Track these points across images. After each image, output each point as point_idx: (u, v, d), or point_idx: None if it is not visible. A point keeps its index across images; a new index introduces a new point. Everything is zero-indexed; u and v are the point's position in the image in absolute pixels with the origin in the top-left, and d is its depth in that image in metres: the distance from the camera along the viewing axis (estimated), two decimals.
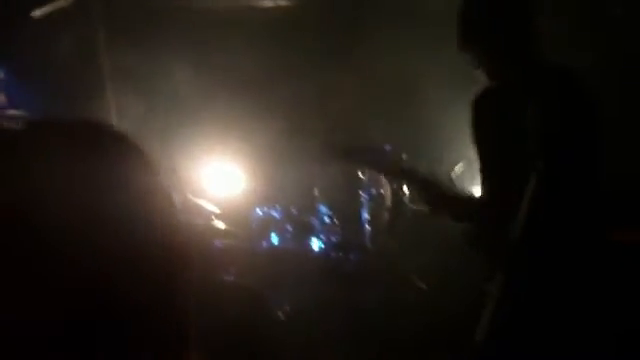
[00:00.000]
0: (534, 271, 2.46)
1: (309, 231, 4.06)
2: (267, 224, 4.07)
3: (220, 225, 4.01)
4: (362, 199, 4.18)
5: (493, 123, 2.62)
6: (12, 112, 4.57)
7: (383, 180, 4.52)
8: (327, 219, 4.14)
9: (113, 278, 0.88)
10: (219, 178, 4.54)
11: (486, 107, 2.63)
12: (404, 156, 4.51)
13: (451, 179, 4.22)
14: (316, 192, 4.44)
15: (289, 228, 4.04)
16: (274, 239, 4.02)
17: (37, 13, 4.74)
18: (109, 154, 0.92)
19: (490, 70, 2.44)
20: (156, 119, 4.73)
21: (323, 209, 4.17)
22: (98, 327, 0.86)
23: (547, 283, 2.47)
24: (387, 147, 4.51)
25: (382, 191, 4.44)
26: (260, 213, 4.11)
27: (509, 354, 2.50)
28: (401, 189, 4.56)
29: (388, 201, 4.47)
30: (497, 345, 2.46)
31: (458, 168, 4.39)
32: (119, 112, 5.06)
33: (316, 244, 4.03)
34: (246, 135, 4.60)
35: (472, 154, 3.97)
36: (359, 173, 4.25)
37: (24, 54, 4.77)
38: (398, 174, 2.78)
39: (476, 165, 3.93)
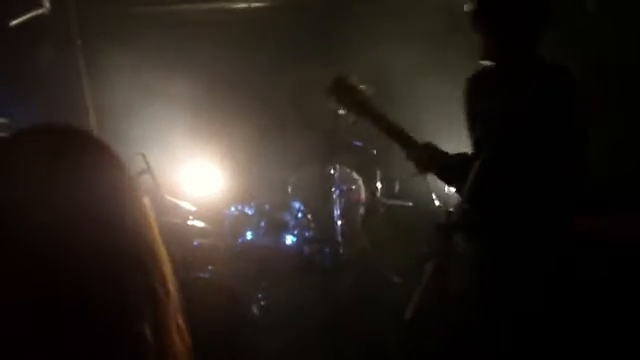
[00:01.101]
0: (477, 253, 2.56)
1: (283, 227, 4.13)
2: (241, 221, 4.14)
3: (197, 224, 4.09)
4: (334, 195, 4.26)
5: (477, 101, 2.72)
6: None
7: (355, 176, 4.61)
8: (300, 215, 4.22)
9: (82, 272, 0.94)
10: (195, 178, 4.63)
11: (477, 85, 2.74)
12: (374, 151, 4.62)
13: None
14: (289, 189, 4.53)
15: (263, 225, 4.12)
16: (249, 236, 4.09)
17: (14, 22, 4.80)
18: (81, 157, 1.02)
19: (493, 53, 2.56)
20: (134, 121, 4.80)
21: (296, 205, 4.26)
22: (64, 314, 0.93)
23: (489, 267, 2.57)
24: (358, 143, 4.62)
25: (354, 187, 4.53)
26: (234, 211, 4.19)
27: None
28: (374, 184, 4.65)
29: (360, 196, 4.56)
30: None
31: None
32: (98, 116, 5.13)
33: (290, 239, 4.11)
34: (221, 135, 4.68)
35: (458, 147, 4.07)
36: (331, 170, 4.33)
37: (2, 63, 4.83)
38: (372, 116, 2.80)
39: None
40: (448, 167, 2.75)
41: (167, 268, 1.06)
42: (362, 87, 2.87)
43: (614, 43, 4.18)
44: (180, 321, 1.06)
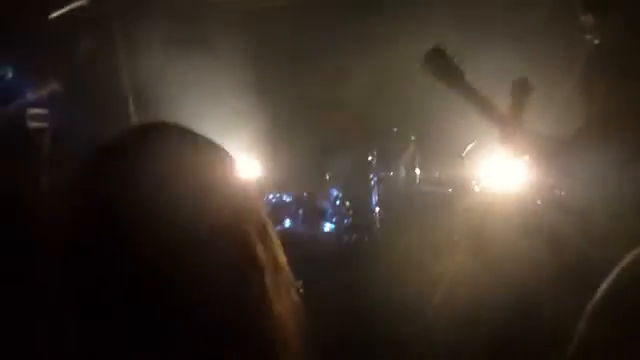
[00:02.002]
0: None
1: (321, 215, 4.14)
2: (280, 209, 4.16)
3: None
4: (372, 182, 4.25)
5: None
6: (36, 111, 4.69)
7: (393, 163, 4.58)
8: (338, 202, 4.22)
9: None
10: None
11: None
12: (412, 137, 4.58)
13: (461, 158, 4.26)
14: (327, 177, 4.52)
15: (301, 212, 4.12)
16: (287, 224, 4.11)
17: (54, 14, 4.85)
18: (206, 153, 1.03)
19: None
20: (171, 110, 4.83)
21: (334, 192, 4.25)
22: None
23: None
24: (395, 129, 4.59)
25: (392, 174, 4.50)
26: (272, 199, 4.20)
27: None
28: (413, 170, 4.62)
29: (399, 184, 4.53)
30: None
31: (469, 147, 4.44)
32: (137, 108, 5.17)
33: (328, 227, 4.11)
34: (257, 125, 4.69)
35: (482, 135, 4.03)
36: (369, 157, 4.32)
37: (43, 54, 4.88)
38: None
39: (486, 145, 3.97)
40: (549, 152, 2.73)
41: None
42: (456, 59, 2.88)
43: None
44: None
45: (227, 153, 1.07)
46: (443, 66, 2.89)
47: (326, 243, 4.05)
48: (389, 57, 4.43)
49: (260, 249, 1.00)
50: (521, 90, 2.89)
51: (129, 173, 0.97)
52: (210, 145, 1.07)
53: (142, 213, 0.94)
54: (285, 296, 1.03)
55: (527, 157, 2.86)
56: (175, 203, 0.94)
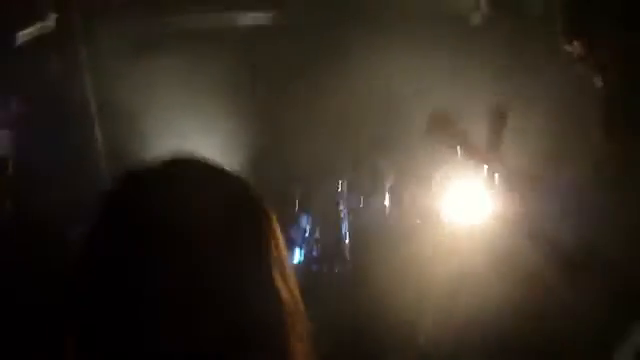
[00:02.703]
0: None
1: (290, 243, 4.10)
2: None
3: None
4: (342, 212, 4.23)
5: None
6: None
7: (364, 193, 4.56)
8: (308, 231, 4.18)
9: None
10: None
11: None
12: (382, 167, 4.57)
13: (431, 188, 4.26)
14: (296, 206, 4.48)
15: None
16: None
17: (21, 36, 4.79)
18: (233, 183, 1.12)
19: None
20: (137, 134, 4.78)
21: (303, 222, 4.22)
22: None
23: None
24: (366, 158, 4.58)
25: (362, 204, 4.48)
26: None
27: None
28: (382, 200, 4.60)
29: (369, 214, 4.51)
30: None
31: (438, 176, 4.43)
32: (104, 131, 5.11)
33: (297, 257, 4.08)
34: (224, 151, 4.64)
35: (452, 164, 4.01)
36: (338, 186, 4.29)
37: (8, 76, 4.81)
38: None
39: (457, 174, 3.96)
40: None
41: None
42: (457, 121, 2.87)
43: None
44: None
45: (248, 183, 1.16)
46: (446, 133, 2.88)
47: (295, 273, 4.00)
48: (361, 85, 4.44)
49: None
50: (498, 119, 2.88)
51: (158, 202, 1.04)
52: (233, 175, 1.15)
53: (171, 241, 1.01)
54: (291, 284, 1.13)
55: (502, 186, 2.85)
56: (203, 229, 1.03)
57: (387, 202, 4.58)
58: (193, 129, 4.57)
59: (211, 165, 1.15)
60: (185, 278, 0.99)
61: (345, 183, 4.32)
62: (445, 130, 2.97)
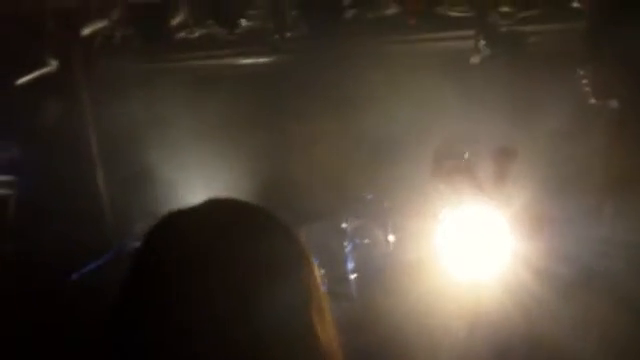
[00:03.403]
0: None
1: None
2: None
3: None
4: (346, 249, 4.21)
5: None
6: (1, 178, 4.63)
7: (368, 230, 4.56)
8: None
9: None
10: None
11: None
12: (385, 204, 4.57)
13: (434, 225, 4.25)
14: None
15: None
16: None
17: (21, 80, 4.83)
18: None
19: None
20: (143, 178, 4.79)
21: None
22: None
23: None
24: (369, 196, 4.59)
25: (367, 241, 4.47)
26: None
27: None
28: (386, 237, 4.59)
29: (374, 251, 4.50)
30: None
31: (442, 214, 4.43)
32: (107, 174, 5.13)
33: None
34: (228, 188, 4.65)
35: (455, 200, 4.01)
36: (342, 223, 4.29)
37: (11, 121, 4.83)
38: None
39: (459, 210, 3.96)
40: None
41: None
42: (464, 153, 2.88)
43: None
44: None
45: (286, 222, 1.18)
46: (451, 164, 2.89)
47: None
48: (363, 122, 4.47)
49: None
50: (504, 158, 2.89)
51: (201, 244, 1.07)
52: (272, 216, 1.18)
53: (212, 280, 1.04)
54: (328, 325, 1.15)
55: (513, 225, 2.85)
56: (245, 269, 1.06)
57: (391, 238, 4.58)
58: (196, 167, 4.59)
59: (253, 206, 1.18)
60: (226, 316, 1.00)
61: (350, 220, 4.31)
62: (451, 166, 2.98)
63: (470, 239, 3.73)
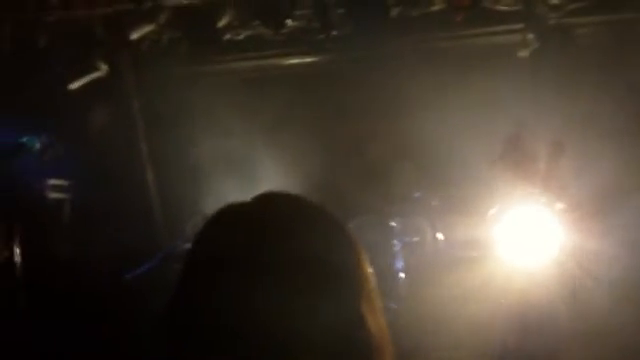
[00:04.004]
0: None
1: None
2: None
3: None
4: (395, 247, 4.20)
5: None
6: (54, 181, 4.71)
7: (418, 228, 4.52)
8: None
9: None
10: None
11: None
12: (434, 202, 4.55)
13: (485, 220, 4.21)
14: None
15: None
16: None
17: (74, 85, 4.91)
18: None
19: None
20: (190, 179, 4.83)
21: None
22: None
23: None
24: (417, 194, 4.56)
25: (416, 239, 4.44)
26: None
27: None
28: (435, 236, 4.57)
29: (425, 249, 4.47)
30: None
31: (493, 210, 4.39)
32: (156, 175, 5.19)
33: None
34: (277, 186, 4.65)
35: (504, 196, 3.97)
36: (391, 222, 4.27)
37: (63, 124, 4.91)
38: None
39: (509, 209, 3.92)
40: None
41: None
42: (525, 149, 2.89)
43: None
44: None
45: (339, 218, 1.17)
46: (514, 155, 2.90)
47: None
48: (411, 120, 4.43)
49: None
50: (555, 152, 2.87)
51: (257, 238, 1.07)
52: (326, 210, 1.16)
53: (267, 272, 1.04)
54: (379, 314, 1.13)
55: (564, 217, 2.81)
56: (300, 262, 1.05)
57: (440, 236, 4.56)
58: (245, 166, 4.62)
59: (305, 200, 1.16)
60: (280, 309, 1.01)
61: (400, 218, 4.30)
62: (512, 162, 2.98)
63: (522, 234, 3.69)
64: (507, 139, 3.07)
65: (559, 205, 2.93)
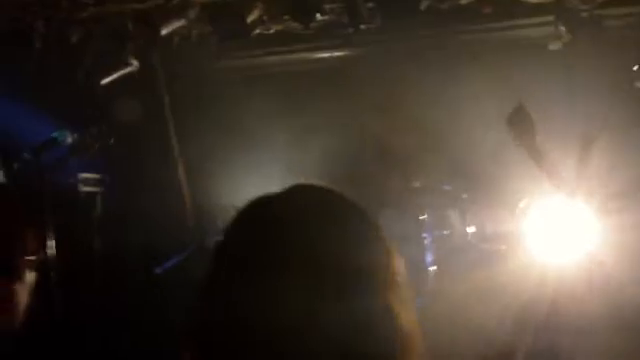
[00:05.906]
0: None
1: None
2: None
3: None
4: (426, 241, 4.18)
5: None
6: (85, 175, 4.76)
7: (448, 221, 4.50)
8: None
9: None
10: None
11: None
12: (464, 195, 4.52)
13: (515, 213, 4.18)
14: None
15: None
16: None
17: (105, 80, 4.95)
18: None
19: None
20: (222, 175, 4.85)
21: None
22: None
23: None
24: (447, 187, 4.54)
25: (446, 232, 4.43)
26: None
27: None
28: (465, 229, 4.54)
29: (454, 242, 4.45)
30: None
31: (523, 203, 4.36)
32: (187, 169, 5.23)
33: None
34: (306, 179, 4.66)
35: (534, 189, 3.94)
36: (421, 215, 4.25)
37: (95, 119, 4.96)
38: None
39: (539, 200, 3.88)
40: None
41: None
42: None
43: None
44: None
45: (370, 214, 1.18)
46: (522, 126, 2.89)
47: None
48: (440, 114, 4.42)
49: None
50: (586, 145, 2.84)
51: (286, 229, 1.08)
52: (357, 205, 1.17)
53: (298, 266, 1.04)
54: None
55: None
56: (330, 256, 1.05)
57: (470, 229, 4.53)
58: (273, 159, 4.63)
59: (335, 193, 1.17)
60: (309, 303, 1.01)
61: (429, 211, 4.28)
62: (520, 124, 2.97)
63: (552, 227, 3.66)
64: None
65: (591, 198, 2.90)
